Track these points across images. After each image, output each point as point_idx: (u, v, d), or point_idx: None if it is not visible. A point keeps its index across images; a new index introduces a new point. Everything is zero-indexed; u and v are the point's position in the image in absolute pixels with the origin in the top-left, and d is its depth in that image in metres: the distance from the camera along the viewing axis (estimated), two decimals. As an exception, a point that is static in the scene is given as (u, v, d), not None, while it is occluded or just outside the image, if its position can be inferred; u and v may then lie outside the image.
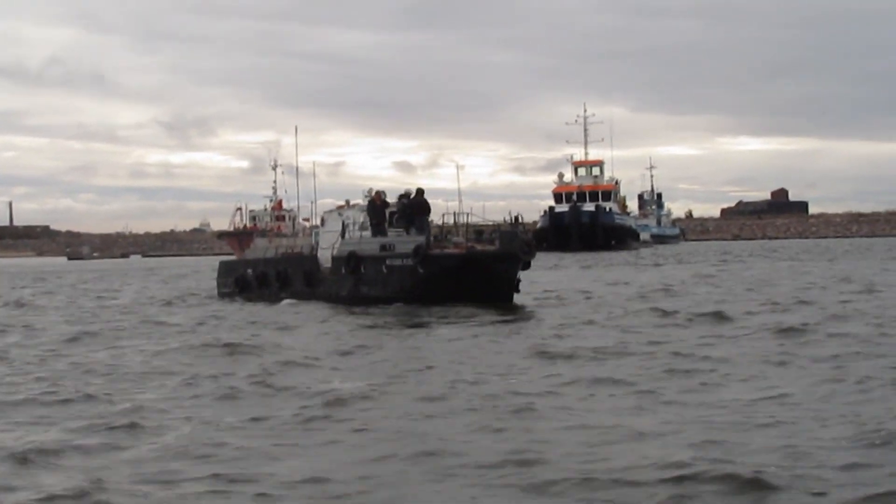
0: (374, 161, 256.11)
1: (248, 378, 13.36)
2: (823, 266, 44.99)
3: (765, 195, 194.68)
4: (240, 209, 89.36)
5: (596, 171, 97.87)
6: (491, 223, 28.61)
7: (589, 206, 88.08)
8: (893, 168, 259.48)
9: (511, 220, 27.27)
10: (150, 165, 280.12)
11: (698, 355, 14.50)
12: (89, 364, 15.47)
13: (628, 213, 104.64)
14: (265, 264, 32.49)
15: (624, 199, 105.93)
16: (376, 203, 27.88)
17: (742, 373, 12.87)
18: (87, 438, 9.65)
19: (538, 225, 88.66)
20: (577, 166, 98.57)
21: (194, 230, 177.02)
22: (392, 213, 28.06)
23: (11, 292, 42.01)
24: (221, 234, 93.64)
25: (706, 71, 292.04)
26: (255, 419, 10.52)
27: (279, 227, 77.01)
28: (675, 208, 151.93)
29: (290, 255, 31.95)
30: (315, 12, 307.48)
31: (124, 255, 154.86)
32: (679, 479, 7.56)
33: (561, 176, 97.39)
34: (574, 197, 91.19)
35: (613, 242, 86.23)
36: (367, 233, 27.91)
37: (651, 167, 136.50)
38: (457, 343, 17.15)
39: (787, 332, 16.93)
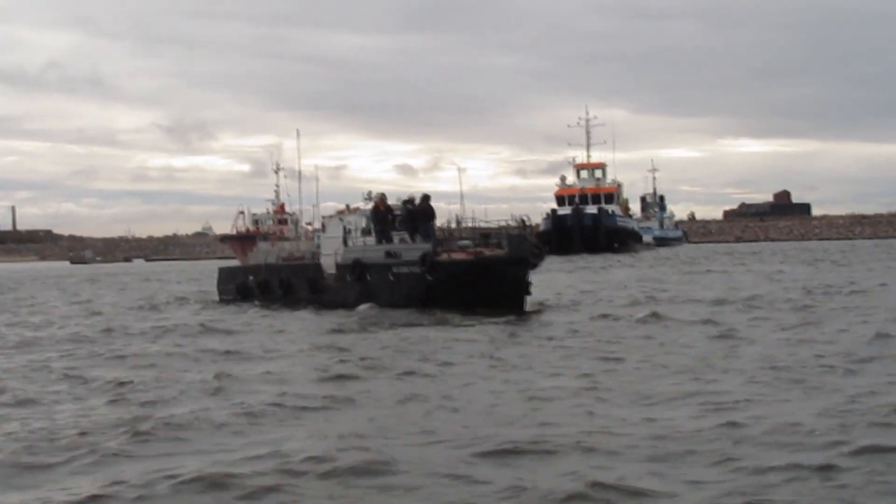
0: (376, 164, 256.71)
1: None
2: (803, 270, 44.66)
3: (766, 197, 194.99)
4: (242, 213, 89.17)
5: (598, 173, 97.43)
6: (497, 225, 27.91)
7: (591, 209, 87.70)
8: (894, 170, 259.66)
9: (516, 222, 26.87)
10: (151, 169, 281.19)
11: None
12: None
13: (631, 216, 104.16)
14: (267, 271, 31.69)
15: (626, 201, 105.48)
16: (380, 209, 27.59)
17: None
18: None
19: (540, 228, 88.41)
20: (579, 169, 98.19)
21: (197, 234, 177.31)
22: (395, 216, 27.74)
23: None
24: (224, 238, 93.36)
25: (707, 73, 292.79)
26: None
27: (282, 231, 76.84)
28: (678, 210, 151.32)
29: (293, 262, 31.50)
30: (315, 16, 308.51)
31: (127, 259, 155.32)
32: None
33: (563, 178, 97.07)
34: (576, 199, 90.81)
35: (616, 245, 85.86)
36: (370, 239, 27.67)
37: (653, 169, 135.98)
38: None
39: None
